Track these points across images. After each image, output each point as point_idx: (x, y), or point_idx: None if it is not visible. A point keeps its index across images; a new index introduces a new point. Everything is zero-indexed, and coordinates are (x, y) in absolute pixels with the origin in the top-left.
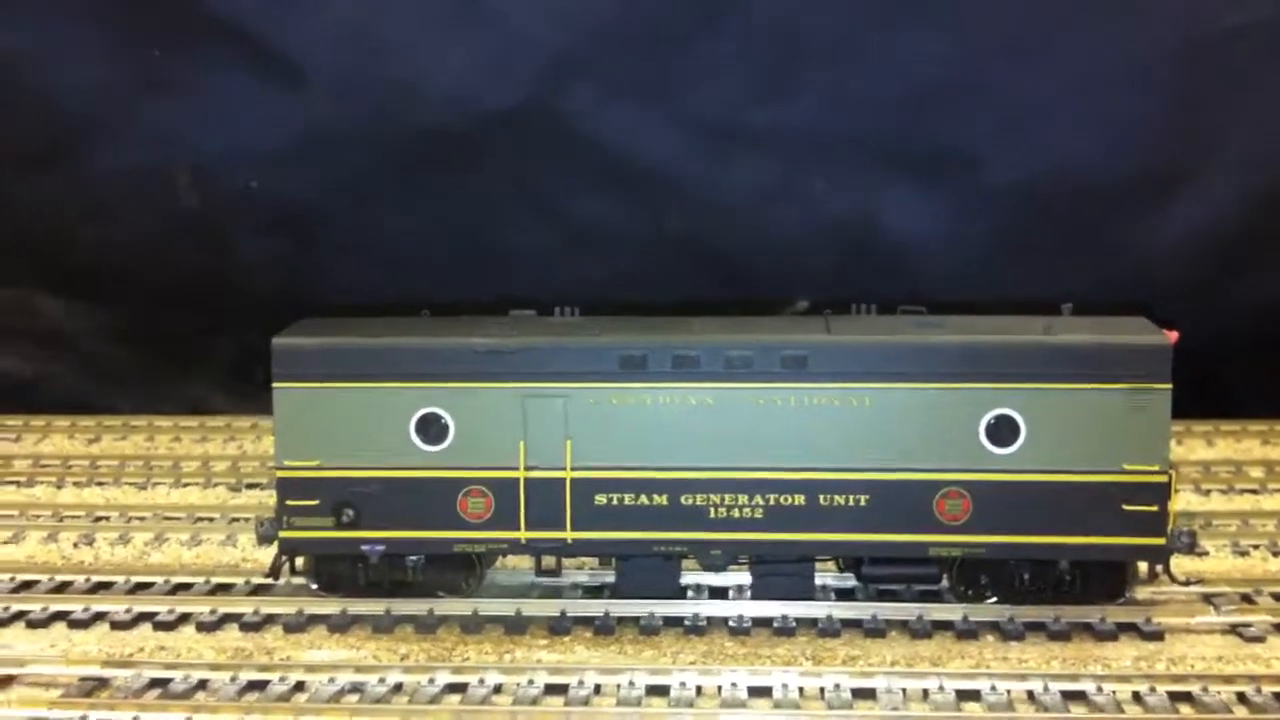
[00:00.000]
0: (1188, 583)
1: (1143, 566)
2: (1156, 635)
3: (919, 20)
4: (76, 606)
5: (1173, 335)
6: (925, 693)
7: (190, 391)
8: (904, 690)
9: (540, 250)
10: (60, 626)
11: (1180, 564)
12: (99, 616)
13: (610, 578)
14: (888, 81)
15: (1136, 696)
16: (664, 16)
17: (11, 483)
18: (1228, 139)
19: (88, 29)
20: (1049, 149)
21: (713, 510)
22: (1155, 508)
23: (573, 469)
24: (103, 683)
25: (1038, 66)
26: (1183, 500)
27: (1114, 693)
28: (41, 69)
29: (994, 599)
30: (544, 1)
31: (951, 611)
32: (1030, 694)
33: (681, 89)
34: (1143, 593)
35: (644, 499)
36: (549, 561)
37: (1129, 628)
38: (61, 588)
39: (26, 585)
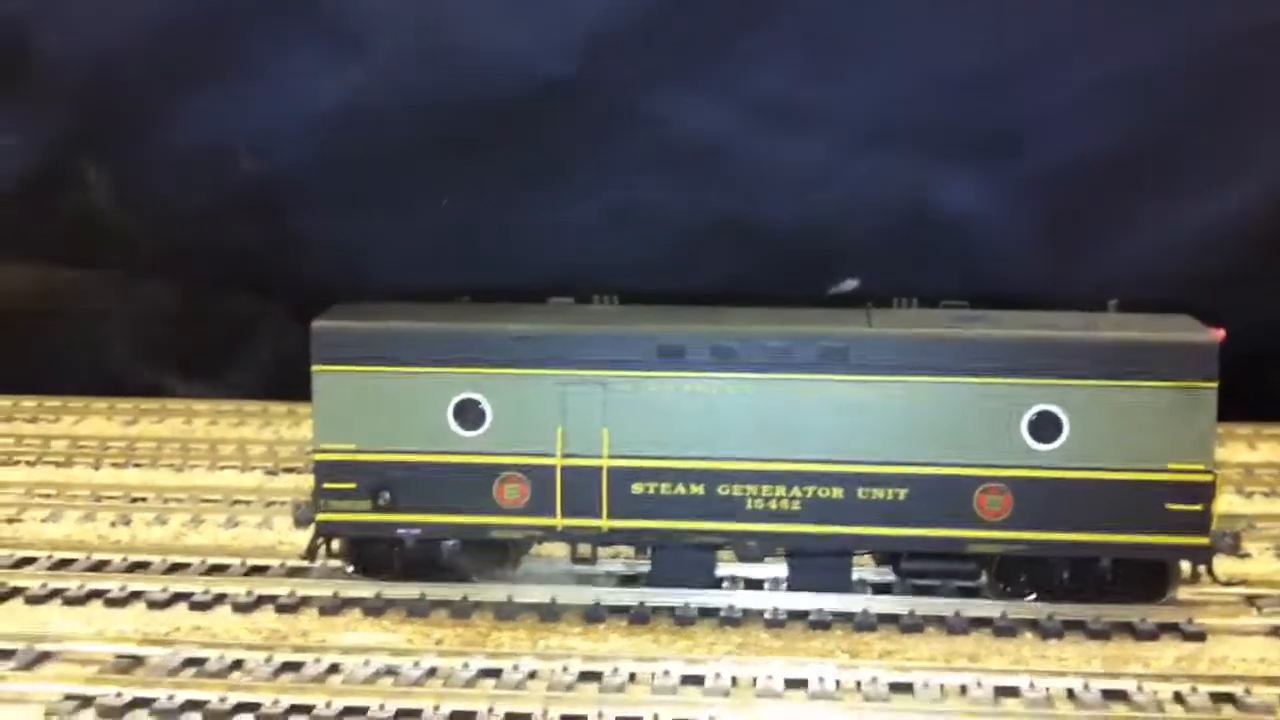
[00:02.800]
0: (1230, 584)
1: (1185, 567)
2: (1198, 636)
3: (968, 6)
4: (113, 585)
5: (1219, 333)
6: (963, 688)
7: (235, 375)
8: (941, 686)
9: (587, 227)
10: (97, 605)
11: (1222, 566)
12: (135, 595)
13: (645, 567)
14: (939, 66)
15: (1178, 696)
16: None
17: (50, 463)
18: (1272, 131)
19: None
20: (1096, 138)
21: (749, 501)
22: (1199, 507)
23: (609, 457)
24: (138, 661)
25: (1084, 56)
26: (1225, 503)
27: (1155, 692)
28: (98, 42)
29: (1033, 596)
30: None
31: (990, 608)
32: (1070, 692)
33: (734, 69)
34: (1185, 593)
35: (680, 488)
36: (584, 549)
37: (1170, 628)
38: (98, 566)
39: (64, 564)
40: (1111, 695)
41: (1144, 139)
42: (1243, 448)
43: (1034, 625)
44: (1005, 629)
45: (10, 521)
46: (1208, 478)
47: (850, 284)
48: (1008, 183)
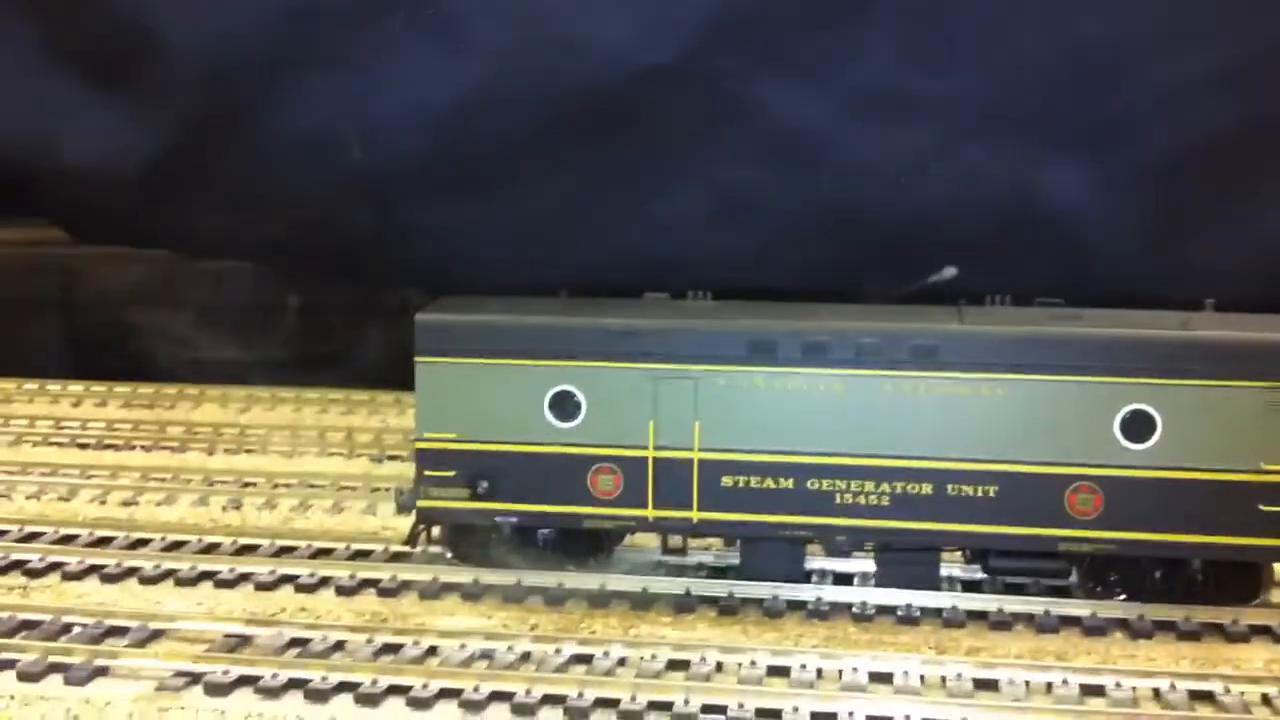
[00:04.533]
0: None
1: (1279, 569)
2: None
3: None
4: (223, 567)
5: None
6: (1049, 686)
7: (345, 364)
8: (1027, 683)
9: (686, 218)
10: (207, 585)
11: None
12: (244, 577)
13: (735, 559)
14: (1047, 51)
15: (1265, 699)
16: None
17: (166, 448)
18: None
19: None
20: (1205, 127)
21: (839, 496)
22: None
23: (700, 450)
24: (245, 640)
25: (1199, 44)
26: None
27: (1242, 694)
28: (207, 34)
29: (1124, 596)
30: None
31: (1079, 607)
32: (1156, 692)
33: (836, 56)
34: (1278, 596)
35: (770, 482)
36: (675, 541)
37: (1262, 630)
38: (210, 549)
39: (176, 545)
40: (1198, 696)
41: (1256, 131)
42: None
43: (1124, 625)
44: (1095, 628)
45: (126, 505)
46: None
47: (950, 272)
48: (1115, 175)
